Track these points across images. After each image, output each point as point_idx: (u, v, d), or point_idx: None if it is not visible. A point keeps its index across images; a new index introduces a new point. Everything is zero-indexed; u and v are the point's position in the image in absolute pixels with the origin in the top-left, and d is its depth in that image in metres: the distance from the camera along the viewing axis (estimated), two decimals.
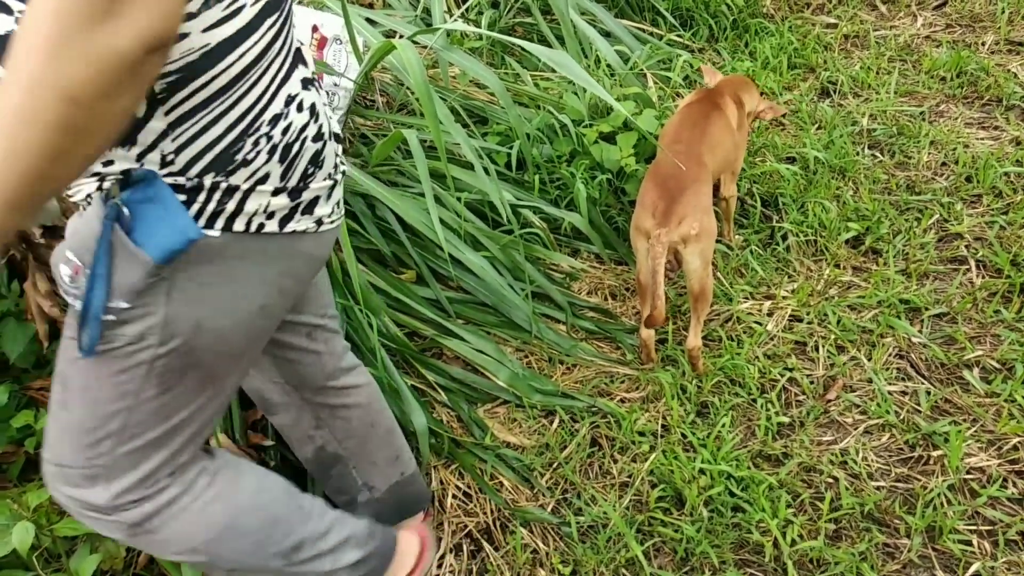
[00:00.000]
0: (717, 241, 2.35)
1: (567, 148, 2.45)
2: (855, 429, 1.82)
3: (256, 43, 0.86)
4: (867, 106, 2.84)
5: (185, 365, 0.96)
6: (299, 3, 2.27)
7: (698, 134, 2.06)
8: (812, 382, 1.95)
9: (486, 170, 2.06)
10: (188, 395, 1.00)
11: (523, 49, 2.88)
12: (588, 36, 2.61)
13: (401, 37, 1.84)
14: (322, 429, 1.43)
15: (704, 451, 1.76)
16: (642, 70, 2.78)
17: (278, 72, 0.91)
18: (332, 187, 1.03)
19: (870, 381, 1.91)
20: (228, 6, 0.82)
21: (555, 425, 1.88)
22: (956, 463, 1.69)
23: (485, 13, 2.94)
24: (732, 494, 1.69)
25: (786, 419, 1.85)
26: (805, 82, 3.04)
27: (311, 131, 0.97)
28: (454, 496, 1.73)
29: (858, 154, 2.64)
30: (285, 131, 0.92)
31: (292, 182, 0.95)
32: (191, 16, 0.79)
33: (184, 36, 0.79)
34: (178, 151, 0.85)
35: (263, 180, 0.92)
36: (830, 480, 1.71)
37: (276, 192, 0.94)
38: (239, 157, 0.88)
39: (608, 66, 2.69)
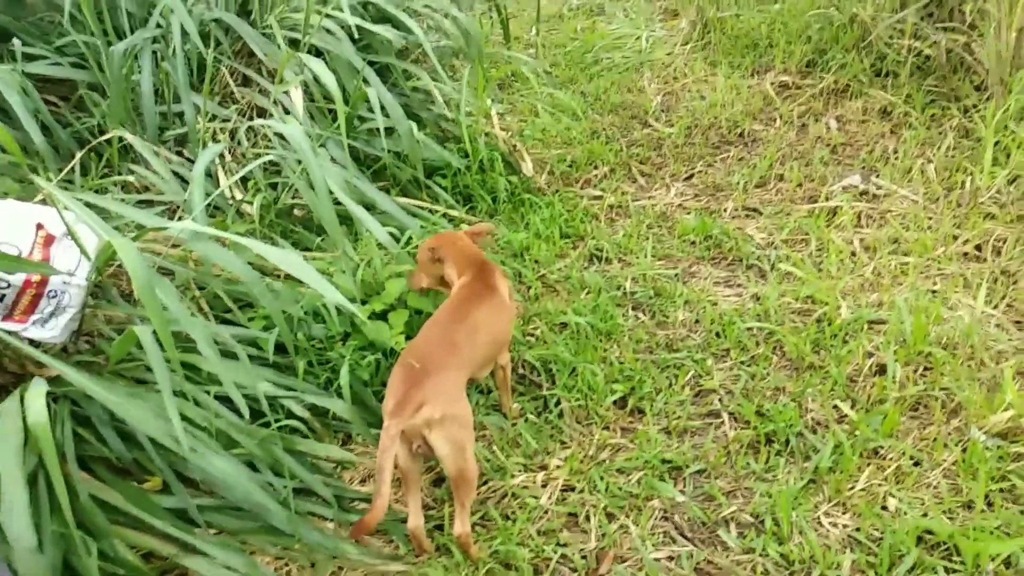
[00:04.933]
0: (497, 411, 2.36)
1: (340, 328, 2.41)
2: None
3: None
4: (629, 270, 3.06)
5: None
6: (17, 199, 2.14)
7: (456, 317, 2.09)
8: (584, 556, 1.92)
9: (235, 357, 1.96)
10: None
11: (289, 232, 2.89)
12: (359, 217, 2.66)
13: (133, 232, 1.76)
14: None
15: None
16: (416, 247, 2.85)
17: None
18: None
19: (638, 549, 1.92)
20: None
21: None
22: None
23: (261, 194, 2.94)
24: None
25: None
26: (575, 250, 3.25)
27: None
28: None
29: (623, 316, 2.81)
30: None
31: None
32: None
33: None
34: None
35: None
36: None
37: None
38: None
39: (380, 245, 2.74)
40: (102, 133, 3.14)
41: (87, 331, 2.16)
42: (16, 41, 3.14)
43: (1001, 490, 1.96)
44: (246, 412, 1.79)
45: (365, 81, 3.10)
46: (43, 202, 2.11)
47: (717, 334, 2.68)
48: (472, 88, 3.50)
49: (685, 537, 1.96)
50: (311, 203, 2.73)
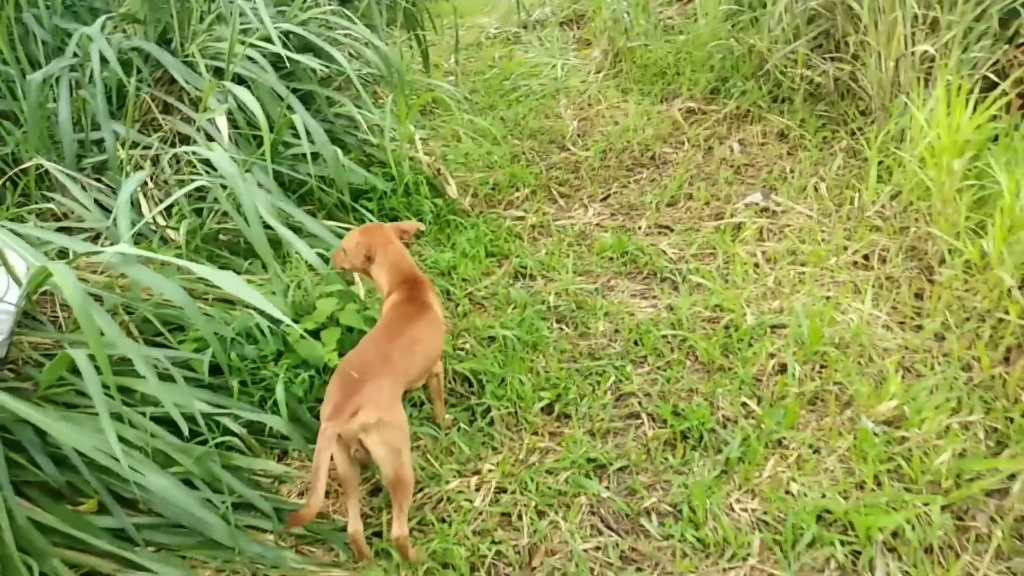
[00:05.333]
0: (430, 423, 2.45)
1: (273, 347, 2.46)
2: None
3: None
4: (552, 286, 3.22)
5: None
6: None
7: (391, 333, 2.18)
8: (518, 552, 2.03)
9: (172, 380, 2.00)
10: None
11: (216, 257, 2.92)
12: (288, 240, 2.72)
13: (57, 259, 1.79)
14: None
15: None
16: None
17: None
18: None
19: (567, 542, 2.04)
20: None
21: None
22: None
23: (186, 220, 2.96)
24: None
25: None
26: (501, 268, 3.39)
27: None
28: None
29: (548, 328, 2.95)
30: None
31: None
32: None
33: None
34: None
35: None
36: None
37: None
38: None
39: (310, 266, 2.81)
40: (16, 162, 3.10)
41: (12, 359, 2.15)
42: None
43: (888, 471, 2.18)
44: (185, 428, 1.83)
45: (290, 108, 3.17)
46: None
47: (635, 342, 2.85)
48: (395, 114, 3.62)
49: (611, 528, 2.09)
50: (241, 227, 2.78)
